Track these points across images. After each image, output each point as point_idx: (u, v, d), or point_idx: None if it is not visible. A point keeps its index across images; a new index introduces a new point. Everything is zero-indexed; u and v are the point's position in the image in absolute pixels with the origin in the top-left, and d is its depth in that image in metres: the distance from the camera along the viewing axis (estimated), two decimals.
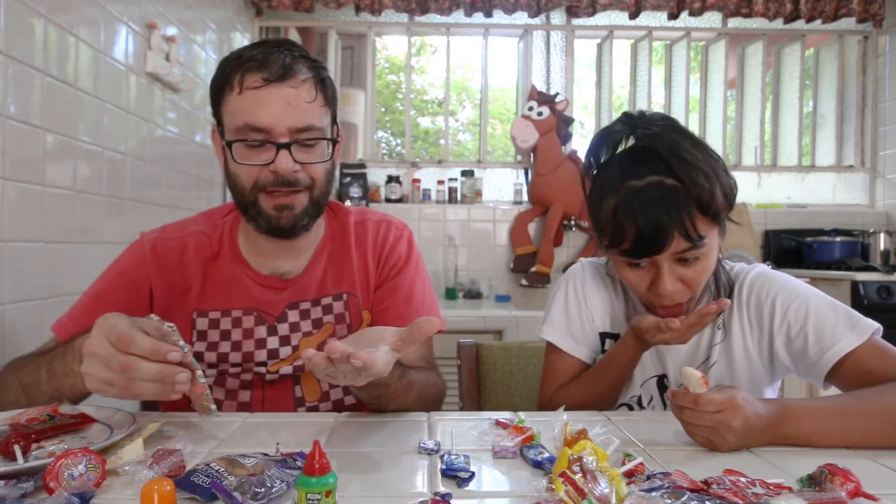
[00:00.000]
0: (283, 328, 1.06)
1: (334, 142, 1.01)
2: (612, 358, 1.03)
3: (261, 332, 1.05)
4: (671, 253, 0.91)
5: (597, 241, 3.41)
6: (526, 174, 3.41)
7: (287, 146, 0.94)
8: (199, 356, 1.03)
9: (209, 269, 1.07)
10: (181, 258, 1.07)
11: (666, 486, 0.60)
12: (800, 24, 3.38)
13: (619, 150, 0.99)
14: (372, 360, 0.69)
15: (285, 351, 1.06)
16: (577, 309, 1.11)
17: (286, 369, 1.05)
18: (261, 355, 1.05)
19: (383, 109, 5.38)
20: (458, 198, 3.36)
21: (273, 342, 1.05)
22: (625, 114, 0.99)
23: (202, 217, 1.14)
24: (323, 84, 0.99)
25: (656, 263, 0.93)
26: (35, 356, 0.91)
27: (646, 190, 0.90)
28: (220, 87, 0.97)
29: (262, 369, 1.05)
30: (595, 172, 1.00)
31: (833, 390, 0.92)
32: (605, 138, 0.99)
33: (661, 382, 1.08)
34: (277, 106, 0.93)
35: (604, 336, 1.11)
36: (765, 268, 1.06)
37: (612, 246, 0.95)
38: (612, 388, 1.04)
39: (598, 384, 1.04)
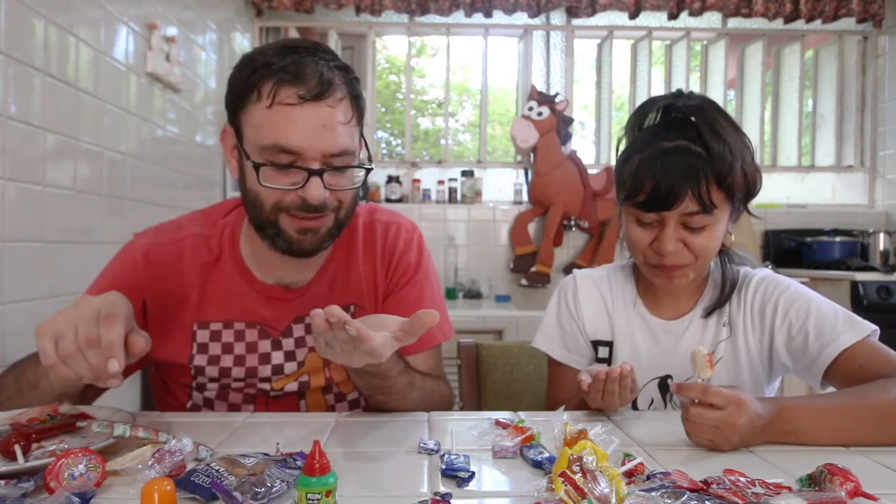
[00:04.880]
0: (287, 343, 1.02)
1: (368, 170, 0.95)
2: (582, 404, 1.02)
3: (265, 346, 1.01)
4: (680, 213, 0.94)
5: (597, 240, 3.36)
6: (526, 174, 3.41)
7: (320, 173, 0.87)
8: (199, 370, 1.00)
9: (208, 276, 1.01)
10: (177, 266, 1.01)
11: (666, 485, 0.60)
12: (799, 25, 3.38)
13: (660, 118, 1.02)
14: (368, 334, 0.70)
15: (290, 367, 1.02)
16: (569, 319, 1.14)
17: (291, 386, 1.02)
18: (265, 371, 1.01)
19: (383, 109, 5.38)
20: (458, 198, 3.37)
21: (278, 357, 1.01)
22: (676, 90, 1.04)
23: (200, 216, 1.07)
24: (358, 101, 0.92)
25: (663, 221, 0.96)
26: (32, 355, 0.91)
27: (672, 151, 0.94)
28: (243, 92, 0.88)
29: (267, 385, 1.01)
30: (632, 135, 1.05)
31: (830, 391, 0.93)
32: (648, 104, 1.03)
33: (665, 384, 1.08)
34: (312, 127, 0.86)
35: (596, 344, 1.12)
36: (770, 272, 1.08)
37: (629, 198, 0.98)
38: None
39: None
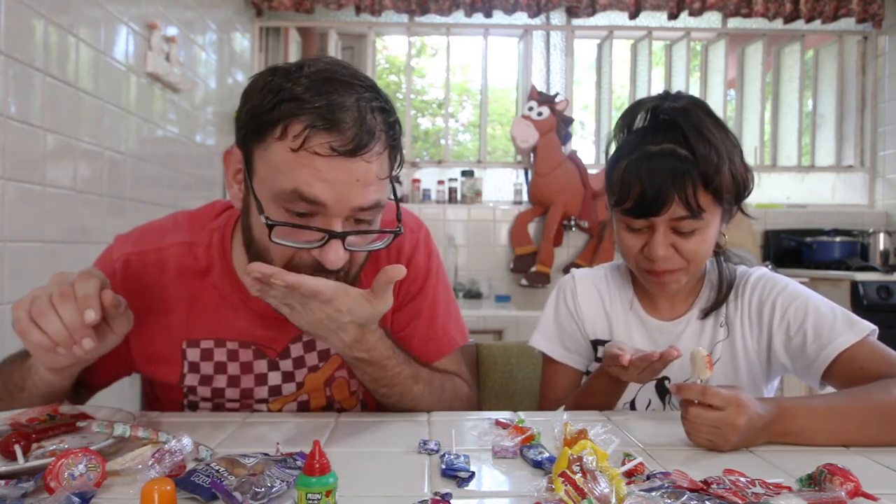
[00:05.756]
0: (286, 364, 0.95)
1: (396, 234, 0.82)
2: (593, 383, 1.02)
3: (261, 366, 0.94)
4: (668, 218, 0.93)
5: (597, 240, 3.36)
6: (526, 174, 3.41)
7: (342, 236, 0.76)
8: (191, 389, 0.95)
9: (197, 290, 0.93)
10: (159, 278, 0.92)
11: (666, 486, 0.60)
12: (799, 25, 3.38)
13: (648, 121, 1.01)
14: (300, 279, 0.72)
15: (289, 388, 0.96)
16: (568, 320, 1.13)
17: (290, 407, 0.98)
18: (261, 392, 0.95)
19: None
20: (458, 198, 3.37)
21: (275, 378, 0.95)
22: (663, 91, 1.03)
23: (187, 221, 0.97)
24: (396, 151, 0.81)
25: (653, 227, 0.95)
26: (17, 354, 0.90)
27: (658, 155, 0.93)
28: (265, 124, 0.75)
29: (263, 407, 0.97)
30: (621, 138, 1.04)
31: (829, 391, 0.93)
32: (636, 106, 1.02)
33: (662, 385, 1.08)
34: (343, 182, 0.74)
35: (595, 343, 1.12)
36: (767, 270, 1.08)
37: (617, 204, 0.98)
38: (601, 408, 1.02)
39: (585, 405, 1.03)
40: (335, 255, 0.76)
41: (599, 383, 1.00)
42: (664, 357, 0.86)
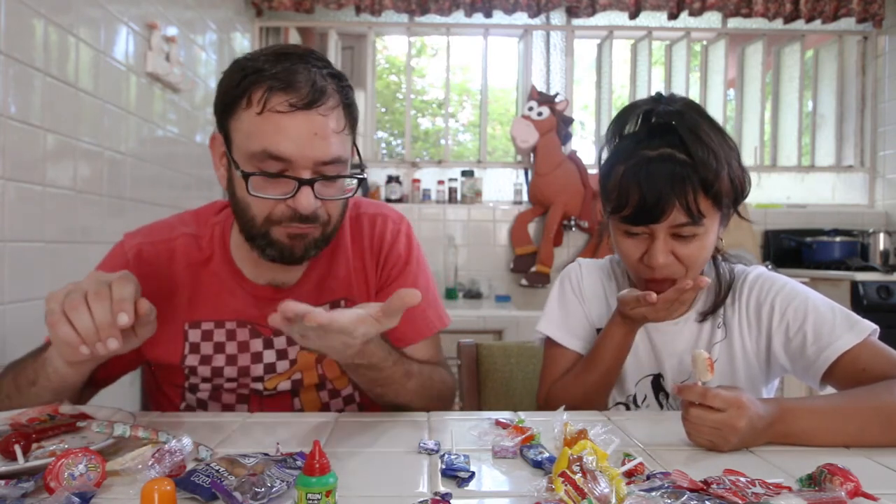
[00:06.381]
0: (279, 341, 1.01)
1: (361, 180, 0.93)
2: (603, 341, 1.02)
3: (256, 345, 1.01)
4: (669, 225, 0.92)
5: (597, 240, 3.35)
6: (526, 174, 3.41)
7: (310, 182, 0.86)
8: (192, 370, 1.00)
9: (200, 276, 1.01)
10: (168, 265, 1.00)
11: (666, 486, 0.60)
12: (799, 25, 3.39)
13: (641, 125, 1.00)
14: (330, 318, 0.70)
15: (283, 365, 1.02)
16: (574, 304, 1.13)
17: (284, 385, 1.02)
18: (257, 370, 1.01)
19: (383, 109, 5.38)
20: (458, 198, 3.37)
21: (270, 356, 1.01)
22: (656, 94, 1.02)
23: (191, 217, 1.07)
24: (350, 109, 0.91)
25: (653, 234, 0.94)
26: (30, 353, 0.91)
27: (656, 160, 0.92)
28: (233, 99, 0.87)
29: (259, 385, 1.01)
30: (614, 143, 1.02)
31: (829, 391, 0.93)
32: (629, 110, 1.01)
33: (657, 382, 1.08)
34: (303, 136, 0.84)
35: (600, 332, 1.11)
36: (765, 269, 1.07)
37: (615, 211, 0.96)
38: (606, 375, 1.03)
39: (591, 372, 1.03)
40: (306, 200, 0.86)
41: (612, 338, 1.00)
42: (697, 284, 0.88)
